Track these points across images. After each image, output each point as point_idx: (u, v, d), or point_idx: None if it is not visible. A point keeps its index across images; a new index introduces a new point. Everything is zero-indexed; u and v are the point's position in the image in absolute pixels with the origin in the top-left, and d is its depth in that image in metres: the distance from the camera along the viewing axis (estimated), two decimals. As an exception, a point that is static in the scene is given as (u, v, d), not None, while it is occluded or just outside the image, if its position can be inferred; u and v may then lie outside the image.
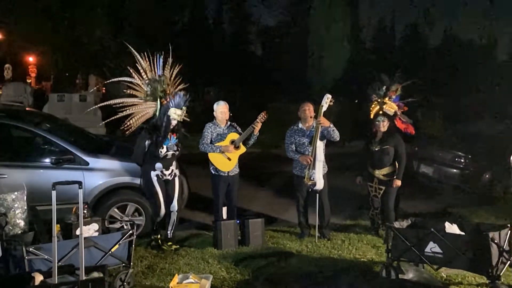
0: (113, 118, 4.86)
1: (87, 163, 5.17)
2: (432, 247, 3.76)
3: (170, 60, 4.76)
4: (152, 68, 4.78)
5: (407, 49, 32.24)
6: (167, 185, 4.93)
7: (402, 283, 3.76)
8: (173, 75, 4.86)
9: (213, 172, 5.35)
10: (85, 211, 3.89)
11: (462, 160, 8.08)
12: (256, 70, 33.87)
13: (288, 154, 5.45)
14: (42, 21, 19.40)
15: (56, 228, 3.84)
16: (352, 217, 6.55)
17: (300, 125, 5.40)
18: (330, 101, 5.14)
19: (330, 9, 17.55)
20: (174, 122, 4.69)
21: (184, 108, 4.66)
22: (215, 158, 5.28)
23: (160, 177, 4.84)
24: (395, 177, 5.31)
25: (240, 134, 5.28)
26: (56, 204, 3.17)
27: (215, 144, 5.23)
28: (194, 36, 31.50)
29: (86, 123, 9.78)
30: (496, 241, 3.47)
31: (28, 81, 23.33)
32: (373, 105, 5.43)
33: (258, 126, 5.14)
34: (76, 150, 5.19)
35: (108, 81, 5.33)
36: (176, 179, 5.02)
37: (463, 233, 3.94)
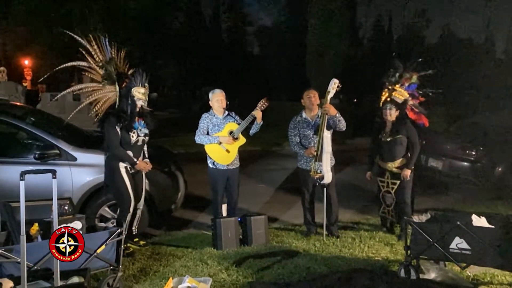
0: (80, 107, 4.46)
1: (75, 158, 4.89)
2: (458, 243, 3.34)
3: (114, 44, 4.52)
4: (102, 51, 4.48)
5: (405, 47, 32.02)
6: (134, 179, 4.42)
7: (426, 284, 3.33)
8: (121, 58, 4.58)
9: (210, 166, 4.94)
10: (66, 207, 3.47)
11: (473, 153, 7.68)
12: (254, 69, 33.61)
13: (292, 147, 5.05)
14: (34, 18, 19.00)
15: (34, 227, 3.46)
16: (360, 214, 6.21)
17: (304, 115, 4.99)
18: (338, 86, 4.75)
19: (328, 7, 17.26)
20: (139, 103, 4.30)
21: (146, 85, 4.32)
22: (212, 150, 4.87)
23: (129, 169, 4.35)
24: (405, 166, 4.89)
25: (239, 124, 4.88)
26: (33, 200, 2.75)
27: (213, 135, 4.83)
28: (191, 36, 31.24)
29: (80, 122, 9.40)
30: (533, 235, 3.05)
31: (24, 84, 22.83)
32: (383, 92, 5.04)
33: (259, 114, 4.77)
34: (62, 145, 4.90)
35: (61, 66, 4.80)
36: (143, 172, 4.53)
37: (492, 227, 3.51)
